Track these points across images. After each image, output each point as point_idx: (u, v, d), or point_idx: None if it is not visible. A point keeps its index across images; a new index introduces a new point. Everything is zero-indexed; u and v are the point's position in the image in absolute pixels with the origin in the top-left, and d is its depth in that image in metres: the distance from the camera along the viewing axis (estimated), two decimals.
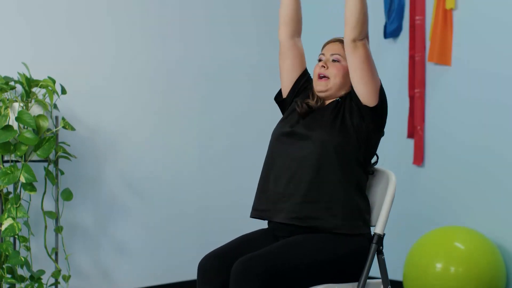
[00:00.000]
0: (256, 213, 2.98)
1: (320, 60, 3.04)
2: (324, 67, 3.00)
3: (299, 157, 2.89)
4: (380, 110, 2.92)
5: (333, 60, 3.00)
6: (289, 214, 2.86)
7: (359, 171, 2.92)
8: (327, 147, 2.87)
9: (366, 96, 2.89)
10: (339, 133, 2.89)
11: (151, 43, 4.74)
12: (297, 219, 2.85)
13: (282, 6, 3.11)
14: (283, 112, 3.15)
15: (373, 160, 3.04)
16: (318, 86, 3.00)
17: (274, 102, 3.21)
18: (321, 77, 2.99)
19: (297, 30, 3.12)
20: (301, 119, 2.99)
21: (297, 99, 3.06)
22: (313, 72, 3.05)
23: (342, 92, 3.00)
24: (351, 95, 2.96)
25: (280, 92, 3.18)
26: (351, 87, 2.98)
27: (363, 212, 2.92)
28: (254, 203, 3.00)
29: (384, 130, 3.00)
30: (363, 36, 2.88)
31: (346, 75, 2.98)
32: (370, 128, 2.91)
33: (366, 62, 2.88)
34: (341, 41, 3.04)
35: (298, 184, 2.87)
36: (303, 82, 3.11)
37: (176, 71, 4.84)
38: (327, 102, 3.03)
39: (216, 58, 4.98)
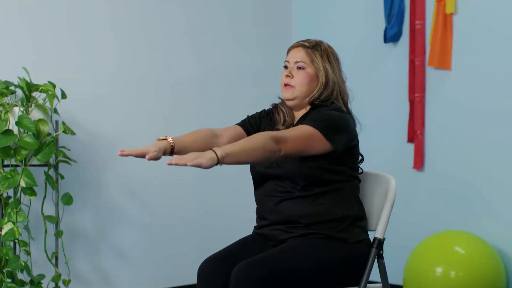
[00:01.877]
0: (260, 235, 3.00)
1: (285, 67, 3.03)
2: (289, 76, 2.98)
3: (286, 194, 2.89)
4: (344, 145, 2.87)
5: (298, 68, 2.99)
6: (290, 236, 2.88)
7: (348, 183, 2.92)
8: (310, 174, 2.86)
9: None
10: (315, 161, 2.87)
11: (152, 48, 4.75)
12: (298, 236, 2.87)
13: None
14: None
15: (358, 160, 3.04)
16: (285, 93, 2.99)
17: None
18: (286, 86, 2.98)
19: (215, 143, 3.00)
20: None
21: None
22: (280, 79, 3.03)
23: (308, 99, 2.98)
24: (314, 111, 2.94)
25: None
26: (315, 94, 2.96)
27: (359, 220, 2.93)
28: (257, 224, 3.04)
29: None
30: (278, 155, 2.72)
31: (311, 82, 2.96)
32: (344, 152, 2.91)
33: (302, 153, 2.80)
34: (304, 46, 3.00)
35: (294, 216, 2.88)
36: (256, 123, 3.09)
37: (177, 77, 4.84)
38: (296, 114, 3.02)
39: (219, 65, 4.98)
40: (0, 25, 4.24)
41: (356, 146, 2.95)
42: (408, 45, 4.65)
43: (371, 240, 2.95)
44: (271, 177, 2.94)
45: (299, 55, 2.99)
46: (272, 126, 3.05)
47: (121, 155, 2.65)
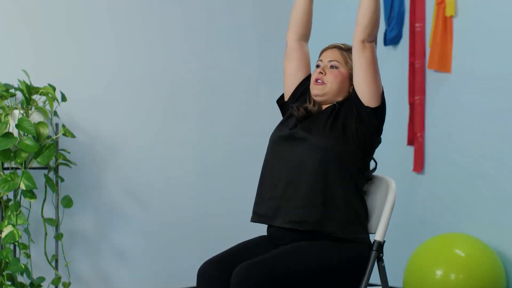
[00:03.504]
0: (256, 217, 2.98)
1: (318, 66, 3.05)
2: (322, 73, 3.00)
3: (297, 161, 2.89)
4: (381, 113, 2.93)
5: (331, 66, 3.01)
6: (287, 218, 2.86)
7: (358, 176, 2.92)
8: (325, 151, 2.87)
9: (368, 97, 2.90)
10: (337, 138, 2.89)
11: (151, 50, 4.75)
12: (295, 223, 2.86)
13: (295, 9, 3.13)
14: (283, 115, 3.16)
15: (372, 167, 3.04)
16: (314, 90, 3.01)
17: (273, 109, 3.22)
18: (318, 81, 3.00)
19: (305, 34, 3.14)
20: (299, 122, 3.00)
21: (294, 105, 3.06)
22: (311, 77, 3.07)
23: (339, 98, 3.00)
24: (350, 99, 2.96)
25: (282, 96, 3.19)
26: (349, 92, 2.99)
27: (361, 217, 2.92)
28: (254, 206, 3.01)
29: (384, 137, 3.01)
30: (372, 38, 2.90)
31: (343, 81, 3.00)
32: (368, 133, 2.92)
33: (372, 64, 2.90)
34: (339, 47, 3.05)
35: (296, 188, 2.87)
36: (305, 87, 3.12)
37: (177, 79, 4.84)
38: (324, 107, 3.04)
39: (217, 66, 4.98)
40: (0, 27, 4.24)
41: (376, 143, 2.99)
42: (408, 48, 4.65)
43: (372, 242, 2.95)
44: (292, 140, 2.94)
45: (334, 55, 3.03)
46: (304, 101, 3.07)
47: None
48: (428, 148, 4.59)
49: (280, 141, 2.98)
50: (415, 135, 4.61)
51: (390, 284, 3.09)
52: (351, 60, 3.00)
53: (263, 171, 3.01)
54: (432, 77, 4.57)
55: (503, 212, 4.27)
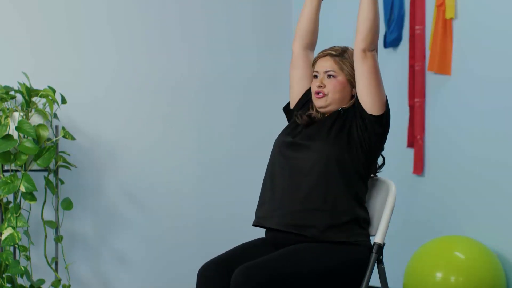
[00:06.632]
0: (257, 220, 3.00)
1: (315, 77, 3.05)
2: (321, 86, 3.01)
3: (299, 167, 2.90)
4: (385, 121, 2.94)
5: (329, 76, 3.01)
6: (286, 221, 2.88)
7: (359, 182, 2.93)
8: (327, 157, 2.88)
9: (370, 106, 2.91)
10: (340, 144, 2.90)
11: (151, 54, 4.75)
12: (294, 226, 2.87)
13: (302, 18, 3.15)
14: (288, 121, 3.17)
15: (380, 162, 3.06)
16: (318, 102, 3.02)
17: (274, 113, 3.23)
18: (319, 94, 3.01)
19: (311, 43, 3.16)
20: (303, 129, 3.01)
21: (297, 113, 3.07)
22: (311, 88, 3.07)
23: (343, 105, 3.01)
24: (355, 106, 2.97)
25: (288, 103, 3.20)
26: (353, 96, 3.00)
27: (362, 223, 2.93)
28: (256, 211, 3.02)
29: (384, 144, 3.02)
30: (373, 47, 2.90)
31: (343, 89, 3.00)
32: (372, 141, 2.92)
33: (374, 73, 2.90)
34: (331, 54, 3.04)
35: (295, 192, 2.88)
36: (311, 94, 3.12)
37: (177, 82, 4.84)
38: (328, 113, 3.05)
39: (217, 69, 4.98)
40: (0, 29, 4.24)
41: (379, 151, 3.01)
42: (408, 50, 4.65)
43: (372, 245, 2.95)
44: (295, 146, 2.96)
45: (328, 64, 3.02)
46: (307, 108, 3.10)
47: None
48: (428, 151, 4.59)
49: (283, 147, 3.00)
50: (415, 137, 4.61)
51: (390, 286, 3.09)
52: (347, 66, 3.01)
53: (266, 175, 3.03)
54: (432, 80, 4.57)
55: (503, 214, 4.27)
